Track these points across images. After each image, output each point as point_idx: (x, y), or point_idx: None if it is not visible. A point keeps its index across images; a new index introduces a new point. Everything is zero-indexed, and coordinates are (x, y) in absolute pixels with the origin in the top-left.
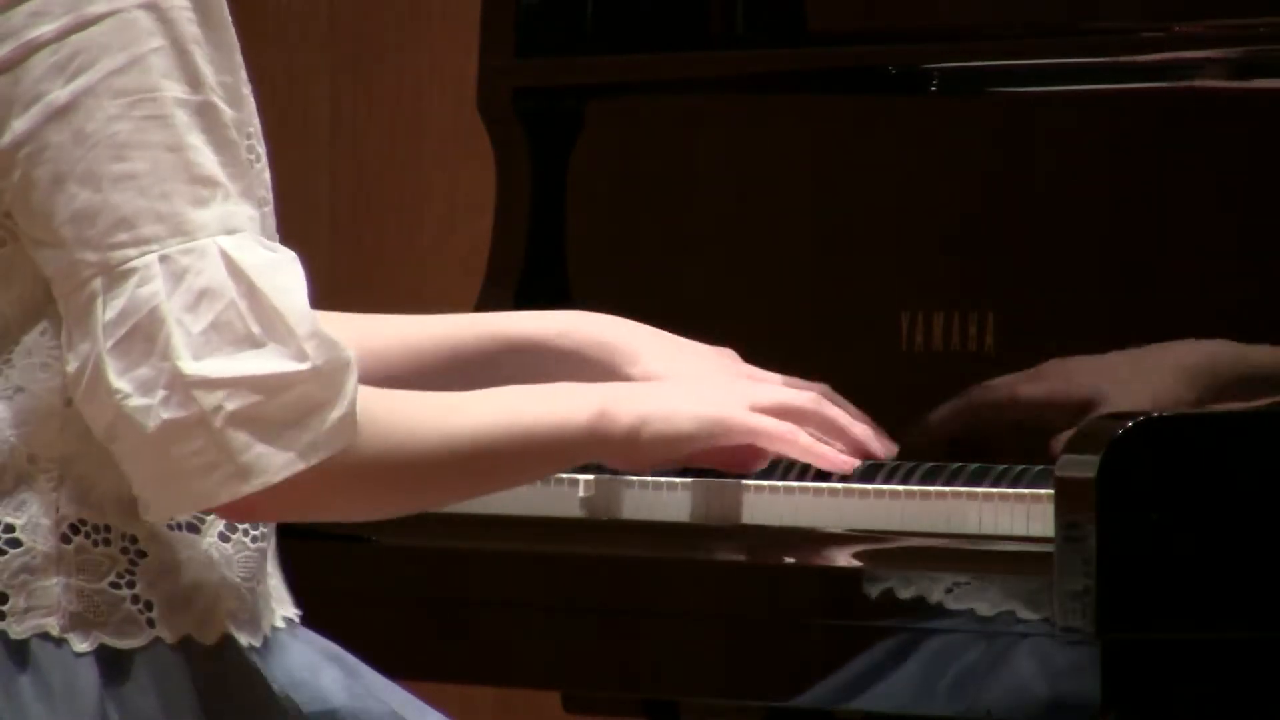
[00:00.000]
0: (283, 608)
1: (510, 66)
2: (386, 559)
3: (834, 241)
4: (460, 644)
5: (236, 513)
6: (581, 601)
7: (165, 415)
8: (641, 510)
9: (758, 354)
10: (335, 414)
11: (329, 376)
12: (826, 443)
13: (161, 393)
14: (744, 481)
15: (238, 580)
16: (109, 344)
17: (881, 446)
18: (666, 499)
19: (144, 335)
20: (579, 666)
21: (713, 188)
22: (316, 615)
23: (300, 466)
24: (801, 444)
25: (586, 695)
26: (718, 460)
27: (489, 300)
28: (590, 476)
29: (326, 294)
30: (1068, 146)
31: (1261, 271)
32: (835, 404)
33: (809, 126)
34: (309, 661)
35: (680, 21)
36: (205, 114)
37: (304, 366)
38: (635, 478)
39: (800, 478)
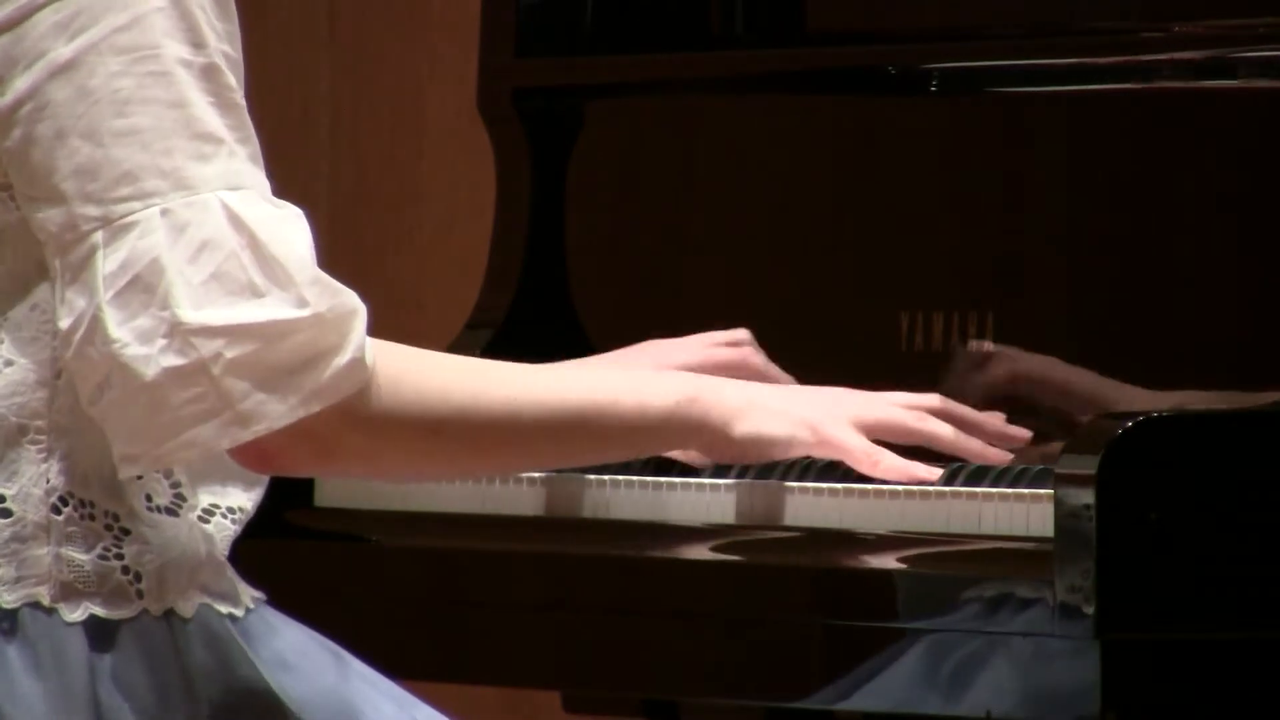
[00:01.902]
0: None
1: (510, 66)
2: (386, 559)
3: (834, 241)
4: (460, 644)
5: (260, 460)
6: (582, 601)
7: (164, 363)
8: (643, 511)
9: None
10: (341, 360)
11: (333, 323)
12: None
13: (161, 341)
14: (744, 481)
15: (220, 559)
16: (109, 295)
17: (997, 455)
18: (666, 499)
19: (144, 286)
20: (579, 666)
21: (712, 188)
22: (316, 615)
23: (302, 413)
24: (885, 465)
25: (586, 695)
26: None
27: (489, 300)
28: (592, 476)
29: None
30: (1068, 146)
31: (1261, 271)
32: (950, 413)
33: (809, 126)
34: (298, 644)
35: (680, 21)
36: (209, 76)
37: (305, 313)
38: (636, 478)
39: (801, 478)
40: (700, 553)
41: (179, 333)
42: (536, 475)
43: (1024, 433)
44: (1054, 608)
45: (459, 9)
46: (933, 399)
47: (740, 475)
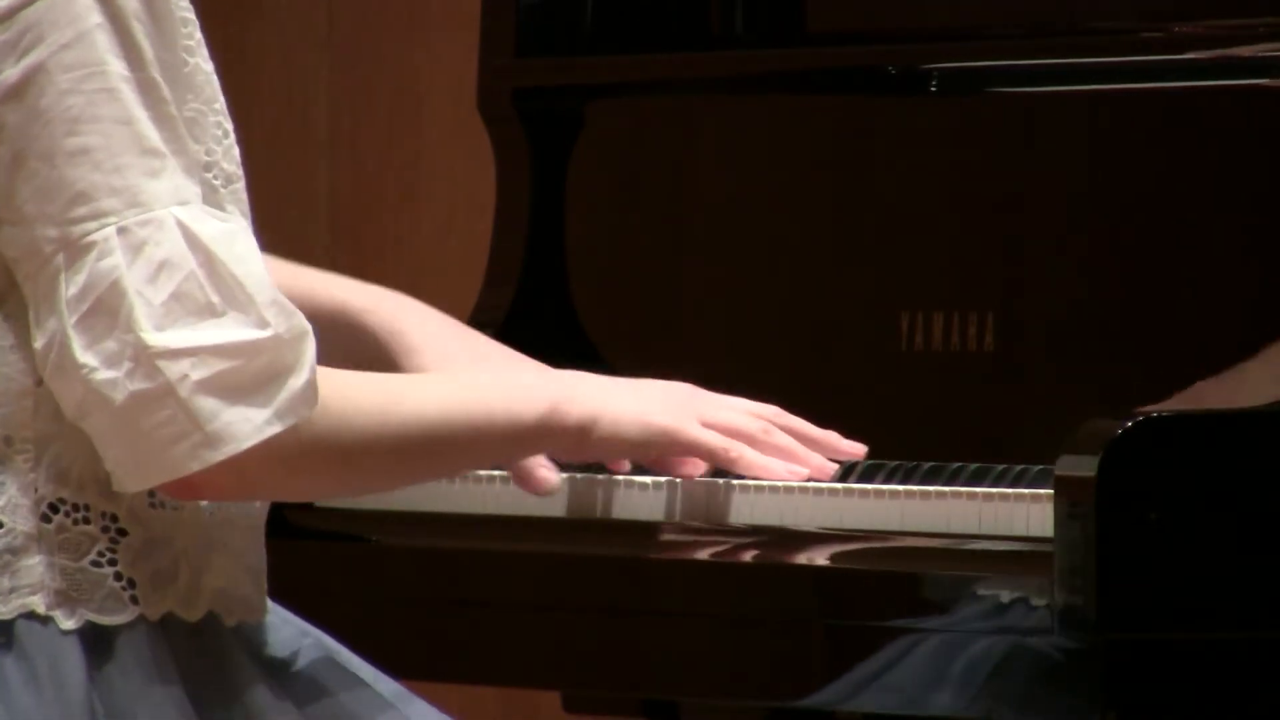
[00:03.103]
0: None
1: (510, 66)
2: (386, 559)
3: (833, 241)
4: (460, 644)
5: (182, 490)
6: (582, 601)
7: (132, 387)
8: (642, 510)
9: (757, 354)
10: (298, 381)
11: (290, 344)
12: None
13: (127, 365)
14: (744, 481)
15: (229, 555)
16: (73, 319)
17: (847, 447)
18: (667, 498)
19: (106, 309)
20: (579, 666)
21: (712, 188)
22: (316, 615)
23: (268, 433)
24: (746, 460)
25: (586, 695)
26: (668, 465)
27: (489, 300)
28: (592, 477)
29: None
30: (1068, 146)
31: (1262, 271)
32: (789, 426)
33: (809, 126)
34: (289, 640)
35: (680, 21)
36: (147, 90)
37: (266, 334)
38: (633, 478)
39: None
40: (700, 553)
41: (144, 356)
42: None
43: (859, 448)
44: (1054, 608)
45: (459, 9)
46: (772, 410)
47: (740, 476)
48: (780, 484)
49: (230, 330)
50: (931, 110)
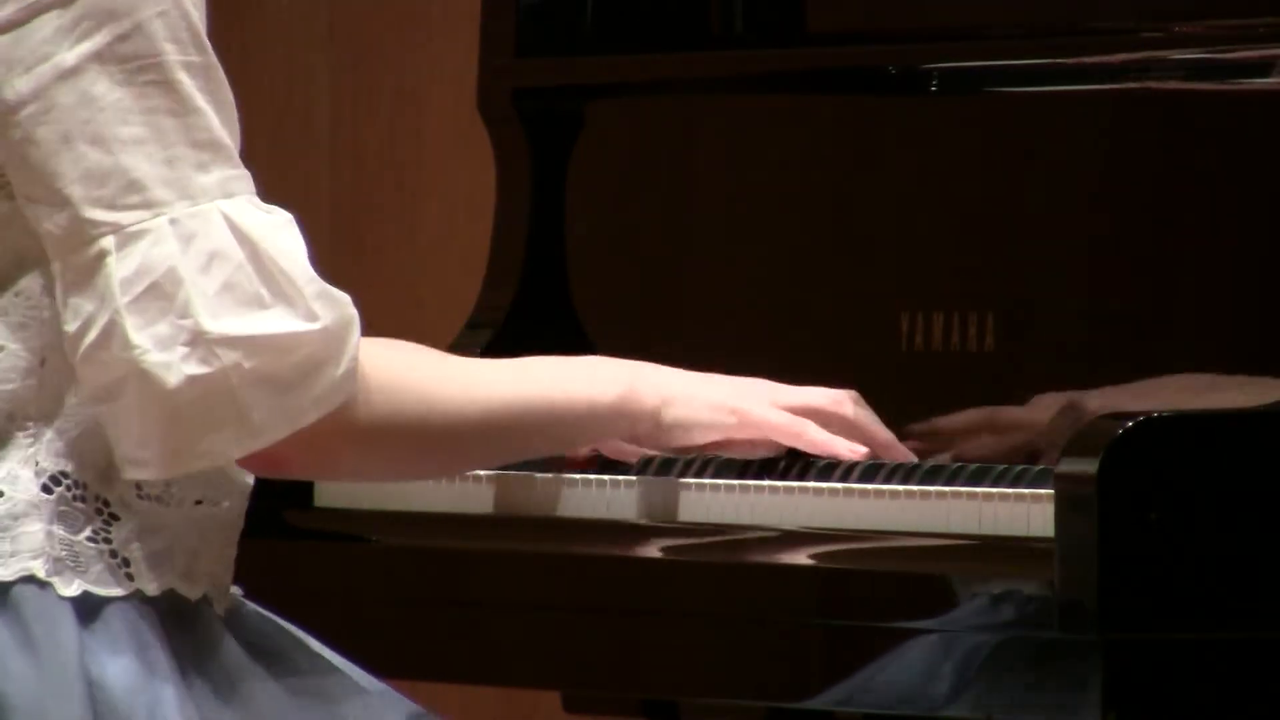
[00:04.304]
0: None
1: (510, 66)
2: (386, 559)
3: (834, 241)
4: (460, 644)
5: (267, 464)
6: (582, 601)
7: (187, 371)
8: (642, 511)
9: (758, 354)
10: (337, 371)
11: (335, 335)
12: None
13: (182, 349)
14: (744, 481)
15: (215, 545)
16: (126, 300)
17: (901, 454)
18: (668, 498)
19: (162, 293)
20: (579, 666)
21: (713, 188)
22: (317, 615)
23: (302, 423)
24: (808, 437)
25: (586, 695)
26: (745, 449)
27: (489, 300)
28: (594, 477)
29: None
30: (1068, 146)
31: (1262, 271)
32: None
33: (809, 126)
34: (267, 628)
35: (680, 21)
36: (208, 75)
37: (314, 326)
38: (632, 478)
39: (801, 477)
40: (700, 553)
41: (202, 341)
42: (538, 475)
43: (909, 456)
44: (1054, 608)
45: (459, 9)
46: (849, 393)
47: (742, 476)
48: (780, 484)
49: (280, 321)
50: (931, 110)
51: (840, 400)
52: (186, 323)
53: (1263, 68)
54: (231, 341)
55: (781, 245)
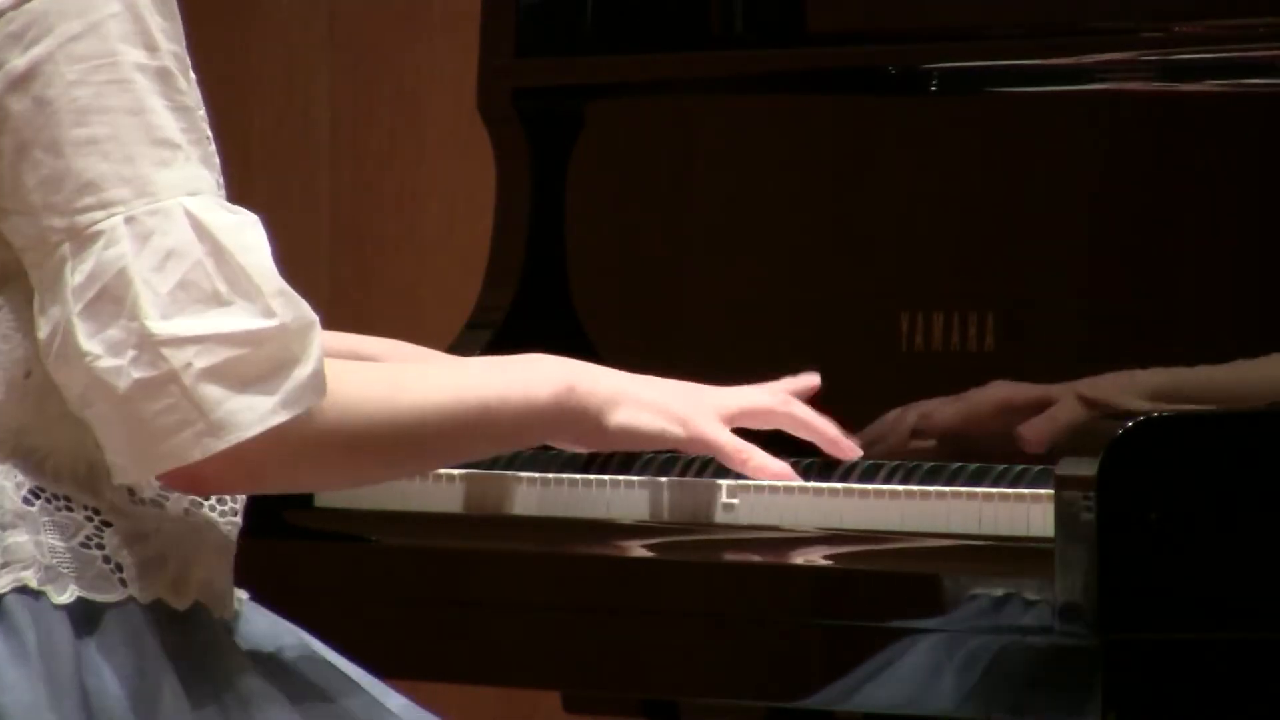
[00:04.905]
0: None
1: (510, 66)
2: (386, 559)
3: (834, 241)
4: (460, 644)
5: (186, 481)
6: (582, 601)
7: (135, 375)
8: (642, 511)
9: (757, 353)
10: (305, 371)
11: (296, 334)
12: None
13: (131, 353)
14: (744, 482)
15: (211, 550)
16: (78, 307)
17: (848, 447)
18: (668, 498)
19: (112, 297)
20: (579, 666)
21: (713, 188)
22: (317, 615)
23: (273, 422)
24: (754, 464)
25: (586, 695)
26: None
27: (489, 300)
28: (593, 477)
29: (327, 294)
30: (1068, 146)
31: (1261, 271)
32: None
33: (809, 126)
34: (268, 632)
35: (680, 21)
36: (163, 79)
37: (272, 323)
38: (636, 478)
39: (801, 477)
40: (701, 553)
41: (148, 344)
42: (536, 476)
43: (856, 451)
44: (1054, 608)
45: (459, 9)
46: (782, 396)
47: (741, 476)
48: (780, 484)
49: (236, 319)
50: (931, 110)
51: (786, 400)
52: (134, 325)
53: (1263, 68)
54: (180, 341)
55: (781, 245)
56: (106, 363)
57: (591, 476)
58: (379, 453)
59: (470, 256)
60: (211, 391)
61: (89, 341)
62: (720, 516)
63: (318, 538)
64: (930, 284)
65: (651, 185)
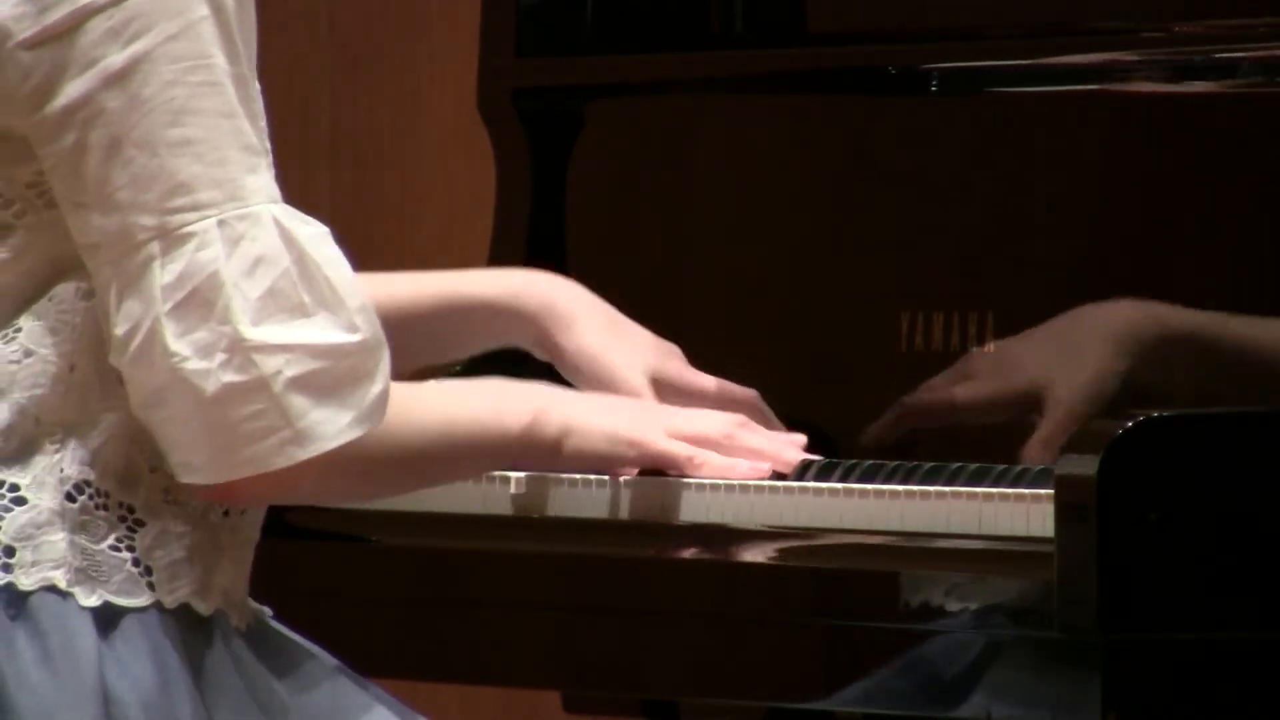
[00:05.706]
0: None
1: (510, 66)
2: (386, 559)
3: (834, 241)
4: (460, 644)
5: (220, 491)
6: (582, 601)
7: (225, 378)
8: (642, 511)
9: (757, 354)
10: (377, 388)
11: (373, 350)
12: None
13: (221, 356)
14: (745, 482)
15: (231, 558)
16: (167, 306)
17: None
18: (668, 499)
19: (203, 299)
20: (579, 666)
21: (712, 188)
22: (316, 615)
23: (349, 436)
24: (711, 466)
25: (586, 695)
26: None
27: None
28: (593, 477)
29: None
30: (1067, 146)
31: (1261, 271)
32: (758, 420)
33: (809, 126)
34: (299, 652)
35: (680, 21)
36: (243, 86)
37: (355, 338)
38: (621, 478)
39: (800, 477)
40: (701, 553)
41: (240, 348)
42: (536, 476)
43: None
44: (1054, 608)
45: (459, 9)
46: (739, 417)
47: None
48: (780, 484)
49: (323, 330)
50: (931, 110)
51: (733, 433)
52: (226, 329)
53: (1263, 68)
54: (271, 348)
55: (781, 245)
56: (194, 364)
57: (591, 476)
58: (385, 472)
59: (470, 256)
60: (298, 401)
61: (177, 342)
62: (720, 516)
63: (318, 538)
64: (930, 284)
65: (651, 185)
